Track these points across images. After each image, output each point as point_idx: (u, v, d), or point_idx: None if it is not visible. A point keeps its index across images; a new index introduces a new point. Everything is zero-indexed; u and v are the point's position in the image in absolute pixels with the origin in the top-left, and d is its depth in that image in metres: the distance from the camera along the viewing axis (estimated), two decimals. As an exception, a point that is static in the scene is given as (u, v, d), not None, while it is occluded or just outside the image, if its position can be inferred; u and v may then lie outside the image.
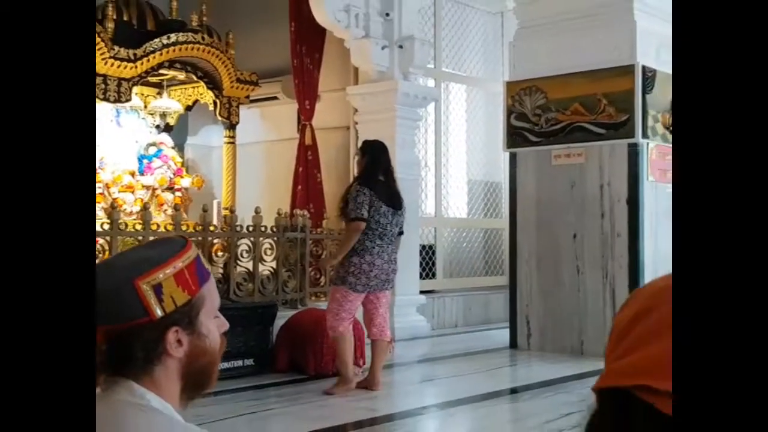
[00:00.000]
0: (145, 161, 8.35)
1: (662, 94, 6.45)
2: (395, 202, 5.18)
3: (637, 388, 0.72)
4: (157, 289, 1.22)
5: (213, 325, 1.32)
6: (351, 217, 5.05)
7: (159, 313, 1.22)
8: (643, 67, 6.31)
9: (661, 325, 0.74)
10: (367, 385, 5.17)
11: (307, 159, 7.99)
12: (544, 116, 6.70)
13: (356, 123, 7.86)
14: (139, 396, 1.22)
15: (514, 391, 5.35)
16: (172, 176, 8.43)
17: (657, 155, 6.45)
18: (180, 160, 8.82)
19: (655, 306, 0.77)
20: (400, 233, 5.36)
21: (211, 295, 1.33)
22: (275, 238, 6.36)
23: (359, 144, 5.80)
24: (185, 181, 8.58)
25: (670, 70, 6.55)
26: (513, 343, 6.80)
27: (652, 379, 0.71)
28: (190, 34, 7.66)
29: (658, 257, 6.21)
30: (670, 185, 6.53)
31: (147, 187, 8.15)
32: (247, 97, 8.48)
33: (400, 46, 7.47)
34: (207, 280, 1.32)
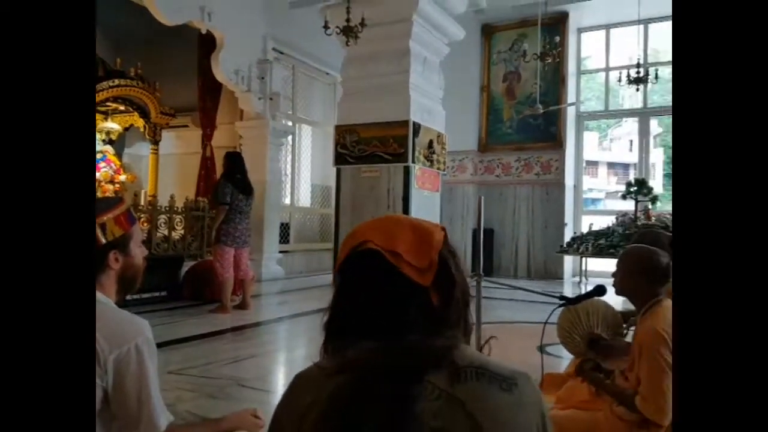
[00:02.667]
0: (94, 163, 7.92)
1: (423, 138, 6.82)
2: (247, 190, 5.24)
3: (355, 247, 0.79)
4: (102, 226, 1.24)
5: (138, 251, 1.33)
6: (219, 201, 5.10)
7: (103, 241, 1.24)
8: (414, 122, 6.60)
9: (357, 229, 0.82)
10: (242, 306, 5.22)
11: (207, 166, 7.77)
12: (357, 147, 6.84)
13: (241, 145, 7.71)
14: None
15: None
16: (113, 173, 8.03)
17: (419, 173, 6.76)
18: (119, 163, 8.40)
19: (356, 227, 0.84)
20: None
21: (137, 232, 1.35)
22: (184, 215, 6.25)
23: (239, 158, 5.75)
24: (123, 177, 8.18)
25: (428, 124, 7.03)
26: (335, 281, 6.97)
27: (362, 238, 0.79)
28: (129, 80, 7.33)
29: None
30: (426, 191, 7.05)
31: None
32: (167, 124, 8.14)
33: (271, 99, 7.43)
34: (135, 222, 1.33)
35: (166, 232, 6.03)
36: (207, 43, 7.16)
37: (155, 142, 8.15)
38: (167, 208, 6.08)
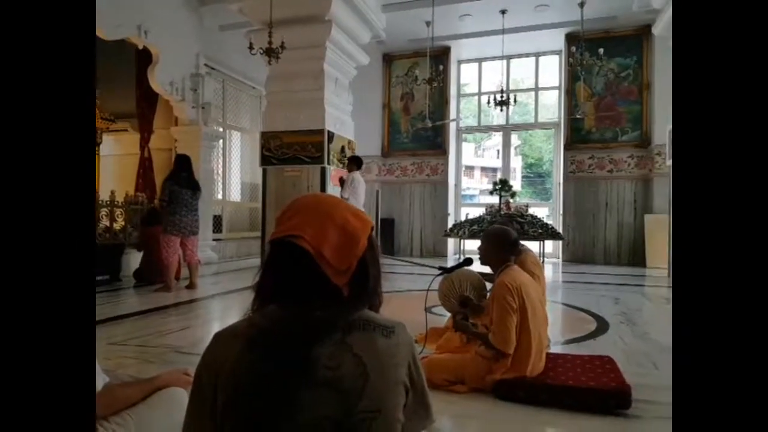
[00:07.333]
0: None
1: (336, 144, 6.82)
2: (193, 186, 4.97)
3: (288, 236, 0.76)
4: None
5: None
6: (159, 198, 4.92)
7: None
8: (328, 131, 6.55)
9: (295, 212, 0.79)
10: (190, 287, 5.00)
11: (145, 165, 7.26)
12: (281, 151, 6.68)
13: (176, 147, 7.17)
14: None
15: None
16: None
17: (334, 173, 6.71)
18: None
19: (294, 206, 0.81)
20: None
21: None
22: (124, 208, 5.81)
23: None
24: (64, 175, 7.48)
25: (340, 133, 7.05)
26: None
27: (295, 231, 0.76)
28: (69, 88, 6.69)
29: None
30: (339, 188, 7.06)
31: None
32: (108, 128, 7.57)
33: (203, 108, 7.06)
34: None
35: (107, 224, 5.59)
36: (144, 57, 6.66)
37: (97, 144, 7.53)
38: (108, 203, 5.63)
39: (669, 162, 6.54)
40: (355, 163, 6.33)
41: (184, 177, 4.94)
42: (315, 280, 0.74)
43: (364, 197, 6.41)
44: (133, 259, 5.54)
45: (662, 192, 7.33)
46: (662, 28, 6.42)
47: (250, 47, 5.25)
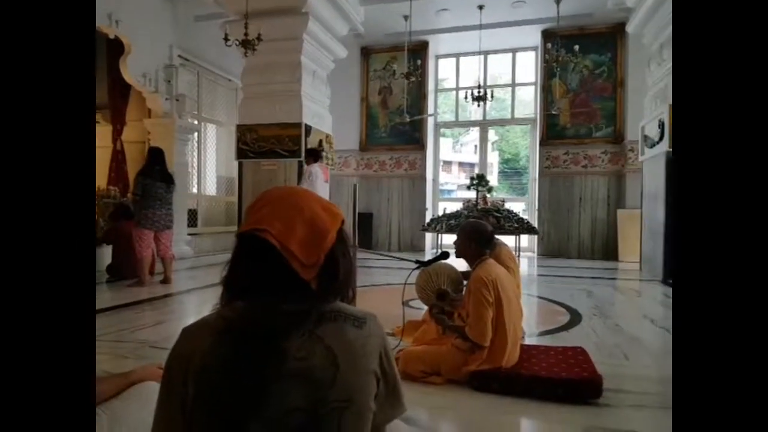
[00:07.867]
0: None
1: (314, 138, 6.79)
2: (167, 179, 4.88)
3: (255, 230, 0.76)
4: None
5: None
6: (132, 193, 4.85)
7: None
8: (305, 124, 6.49)
9: (264, 204, 0.79)
10: (165, 281, 4.93)
11: (118, 158, 7.06)
12: (257, 144, 6.61)
13: (149, 139, 7.02)
14: None
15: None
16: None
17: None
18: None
19: (265, 197, 0.81)
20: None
21: None
22: (96, 202, 5.65)
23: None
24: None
25: (317, 126, 7.00)
26: (238, 259, 6.70)
27: (262, 224, 0.76)
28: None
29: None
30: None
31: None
32: (77, 119, 7.32)
33: (177, 99, 6.91)
34: None
35: (77, 218, 5.44)
36: (115, 47, 6.47)
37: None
38: (78, 196, 5.47)
39: (641, 158, 6.73)
40: (312, 155, 6.02)
41: (157, 170, 4.85)
42: (282, 274, 0.74)
43: (325, 191, 6.36)
44: (107, 253, 5.40)
45: (634, 187, 7.54)
46: (636, 25, 6.57)
47: (226, 38, 5.17)
